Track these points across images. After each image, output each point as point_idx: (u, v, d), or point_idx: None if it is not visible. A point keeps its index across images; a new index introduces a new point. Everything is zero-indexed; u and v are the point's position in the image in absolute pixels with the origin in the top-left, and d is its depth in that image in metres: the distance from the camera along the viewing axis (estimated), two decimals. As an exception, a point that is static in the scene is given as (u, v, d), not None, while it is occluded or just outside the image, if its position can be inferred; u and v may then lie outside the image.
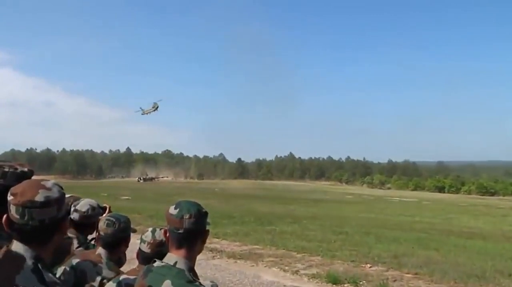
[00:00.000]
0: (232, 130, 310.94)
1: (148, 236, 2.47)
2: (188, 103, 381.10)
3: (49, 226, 1.45)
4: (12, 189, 1.45)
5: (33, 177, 1.73)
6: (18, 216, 1.41)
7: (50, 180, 1.52)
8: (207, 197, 43.90)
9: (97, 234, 2.65)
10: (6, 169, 1.71)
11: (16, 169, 1.72)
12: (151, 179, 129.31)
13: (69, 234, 2.98)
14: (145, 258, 2.36)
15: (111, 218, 2.65)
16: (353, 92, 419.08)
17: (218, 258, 10.71)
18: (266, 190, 79.02)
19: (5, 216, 1.45)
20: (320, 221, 20.67)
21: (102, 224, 2.63)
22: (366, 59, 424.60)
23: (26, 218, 1.41)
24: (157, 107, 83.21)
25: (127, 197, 37.42)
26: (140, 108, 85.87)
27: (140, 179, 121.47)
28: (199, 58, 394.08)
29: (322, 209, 34.50)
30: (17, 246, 1.43)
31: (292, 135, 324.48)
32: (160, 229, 2.41)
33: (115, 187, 66.09)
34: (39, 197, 1.42)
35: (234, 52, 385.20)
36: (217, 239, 13.01)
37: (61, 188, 1.52)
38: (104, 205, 3.31)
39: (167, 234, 1.90)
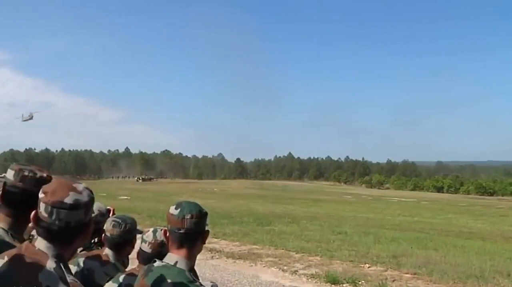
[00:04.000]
0: (231, 130, 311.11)
1: (149, 236, 2.49)
2: (187, 103, 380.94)
3: (74, 228, 1.45)
4: (44, 187, 1.46)
5: None
6: (46, 215, 1.41)
7: (81, 183, 1.52)
8: (206, 197, 43.92)
9: (103, 235, 2.65)
10: (26, 173, 1.72)
11: (36, 174, 1.73)
12: (150, 179, 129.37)
13: None
14: (146, 258, 2.37)
15: (118, 219, 2.65)
16: (351, 91, 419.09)
17: (217, 258, 10.73)
18: (265, 190, 79.02)
19: (33, 211, 1.45)
20: (319, 221, 20.66)
21: (108, 225, 2.64)
22: (364, 58, 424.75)
23: (53, 217, 1.41)
24: (32, 117, 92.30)
25: (126, 197, 37.43)
26: (22, 115, 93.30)
27: (139, 179, 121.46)
28: (196, 57, 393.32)
29: (321, 209, 34.50)
30: (40, 244, 1.43)
31: (291, 135, 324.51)
32: (161, 230, 2.42)
33: (114, 187, 66.09)
34: (69, 199, 1.42)
35: (228, 51, 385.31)
36: (216, 239, 13.02)
37: (91, 192, 1.53)
38: (108, 207, 3.28)
39: (167, 234, 1.91)
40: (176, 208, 1.89)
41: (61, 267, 1.42)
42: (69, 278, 1.42)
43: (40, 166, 1.91)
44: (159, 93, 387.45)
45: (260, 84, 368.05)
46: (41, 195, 1.44)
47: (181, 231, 1.85)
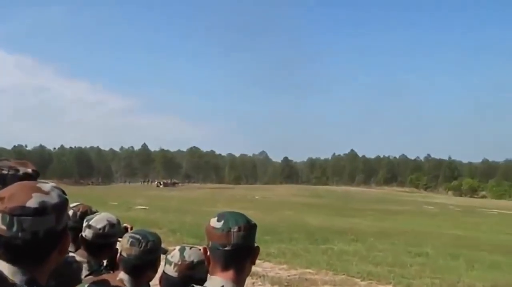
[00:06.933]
0: (277, 122, 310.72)
1: (175, 256, 2.46)
2: (219, 87, 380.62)
3: (44, 240, 1.35)
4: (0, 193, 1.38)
5: None
6: (4, 227, 1.31)
7: (48, 182, 1.45)
8: (245, 206, 44.21)
9: (118, 255, 2.56)
10: (5, 172, 1.71)
11: (18, 170, 1.72)
12: (174, 183, 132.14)
13: (79, 258, 2.86)
14: (171, 284, 2.36)
15: (137, 236, 2.51)
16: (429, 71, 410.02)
17: (260, 284, 10.81)
18: (320, 198, 78.81)
19: None
20: (391, 239, 20.53)
21: (125, 243, 2.51)
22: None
23: (14, 229, 1.30)
24: None
25: (143, 207, 38.12)
26: None
27: (160, 184, 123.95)
28: (230, 29, 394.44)
29: (394, 223, 34.10)
30: (4, 268, 1.33)
31: (353, 127, 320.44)
32: (190, 248, 2.41)
33: (128, 194, 67.53)
34: (32, 203, 1.32)
35: (271, 25, 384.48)
36: (258, 261, 13.08)
37: (63, 192, 1.44)
38: (125, 225, 3.20)
39: (208, 253, 1.88)
40: (218, 220, 1.86)
41: None
42: None
43: (32, 162, 1.93)
44: (182, 75, 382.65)
45: (314, 64, 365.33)
46: None
47: (226, 248, 1.82)
